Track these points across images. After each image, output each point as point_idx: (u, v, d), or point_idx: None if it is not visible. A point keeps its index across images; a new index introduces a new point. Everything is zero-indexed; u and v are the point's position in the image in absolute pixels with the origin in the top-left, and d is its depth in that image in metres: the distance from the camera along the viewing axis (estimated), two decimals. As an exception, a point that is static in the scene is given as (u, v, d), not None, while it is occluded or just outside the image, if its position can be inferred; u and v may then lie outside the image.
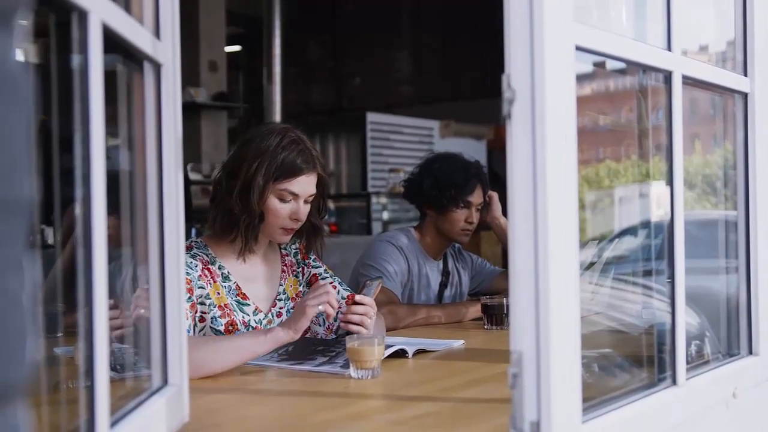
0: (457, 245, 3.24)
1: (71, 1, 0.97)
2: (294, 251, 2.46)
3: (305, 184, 2.23)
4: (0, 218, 0.58)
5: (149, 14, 1.36)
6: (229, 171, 2.23)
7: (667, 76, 1.54)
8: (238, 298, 2.25)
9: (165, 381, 1.39)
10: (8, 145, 0.58)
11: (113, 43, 1.13)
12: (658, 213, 1.94)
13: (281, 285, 2.37)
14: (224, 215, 2.23)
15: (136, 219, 1.40)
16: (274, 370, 2.03)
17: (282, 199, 2.21)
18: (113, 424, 1.11)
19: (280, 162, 2.18)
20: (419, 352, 2.21)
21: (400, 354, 2.14)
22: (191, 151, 7.24)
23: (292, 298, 2.38)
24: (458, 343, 2.38)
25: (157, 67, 1.37)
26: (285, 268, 2.41)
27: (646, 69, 1.59)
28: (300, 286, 2.42)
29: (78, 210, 1.05)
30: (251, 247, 2.27)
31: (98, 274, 1.03)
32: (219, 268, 2.25)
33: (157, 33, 1.37)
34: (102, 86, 1.05)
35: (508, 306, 2.69)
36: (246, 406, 1.73)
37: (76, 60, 1.03)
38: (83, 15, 1.01)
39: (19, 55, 0.61)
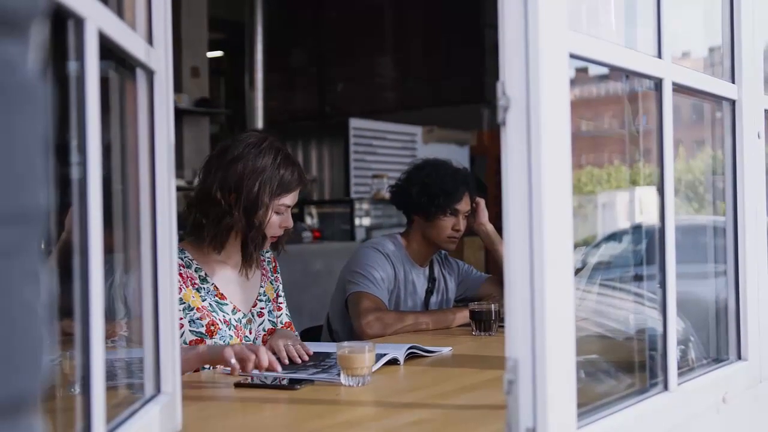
0: (443, 251, 3.24)
1: (68, 7, 0.96)
2: (267, 260, 2.54)
3: (296, 196, 2.38)
4: (16, 228, 0.57)
5: (141, 21, 1.36)
6: (224, 188, 2.26)
7: (658, 83, 1.55)
8: (216, 298, 2.31)
9: (158, 389, 1.39)
10: (24, 154, 0.57)
11: (106, 49, 1.13)
12: (642, 218, 1.95)
13: (262, 287, 2.46)
14: (225, 231, 2.29)
15: (128, 227, 1.39)
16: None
17: (277, 213, 2.33)
18: (108, 433, 1.11)
19: (280, 179, 2.30)
20: (411, 357, 2.21)
21: (392, 361, 2.14)
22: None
23: (272, 300, 2.49)
24: (447, 350, 2.38)
25: (150, 74, 1.36)
26: (264, 271, 2.50)
27: (637, 76, 1.60)
28: (274, 292, 2.52)
29: (65, 216, 1.04)
30: (256, 260, 2.39)
31: (94, 282, 1.02)
32: (196, 271, 2.31)
33: (150, 40, 1.36)
34: (98, 93, 1.04)
35: (496, 312, 2.70)
36: (238, 414, 1.72)
37: (71, 66, 1.03)
38: (80, 22, 1.00)
39: (35, 65, 0.60)
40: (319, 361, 2.16)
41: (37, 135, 0.59)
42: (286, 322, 2.50)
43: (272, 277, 2.53)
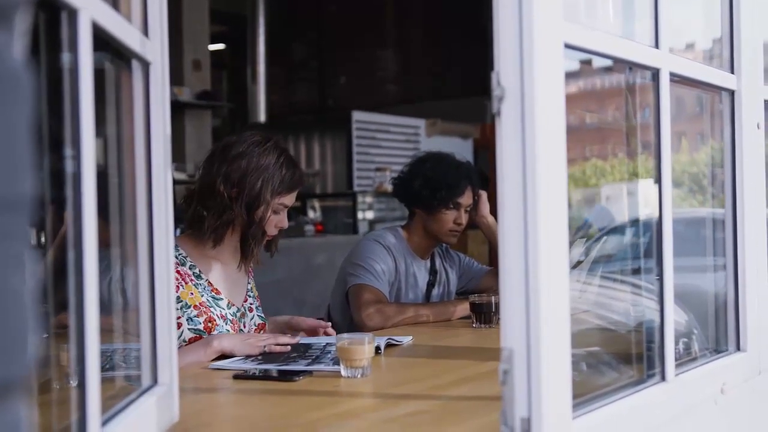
0: (444, 244, 3.24)
1: (61, -2, 0.96)
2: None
3: (294, 197, 2.42)
4: (3, 215, 0.58)
5: (137, 12, 1.36)
6: (227, 182, 2.29)
7: (655, 74, 1.55)
8: (212, 293, 2.34)
9: (155, 380, 1.39)
10: (10, 142, 0.58)
11: (101, 41, 1.13)
12: (645, 211, 1.95)
13: (249, 283, 2.51)
14: (224, 225, 2.31)
15: (124, 219, 1.39)
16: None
17: (275, 212, 2.36)
18: (104, 423, 1.11)
19: (282, 179, 2.33)
20: (389, 346, 2.26)
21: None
22: (175, 151, 7.16)
23: (257, 297, 2.53)
24: (408, 339, 2.42)
25: (145, 65, 1.36)
26: (250, 270, 2.53)
27: (634, 66, 1.59)
28: (256, 290, 2.57)
29: (63, 210, 1.04)
30: (256, 255, 2.41)
31: (89, 274, 1.02)
32: (190, 268, 2.33)
33: (145, 31, 1.36)
34: (92, 85, 1.04)
35: (496, 304, 2.70)
36: (235, 406, 1.73)
37: (65, 58, 1.03)
38: (73, 13, 1.00)
39: (19, 54, 0.61)
40: (303, 352, 2.17)
41: (22, 124, 0.60)
42: (259, 324, 2.51)
43: (253, 276, 2.58)
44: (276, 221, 2.37)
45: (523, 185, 1.18)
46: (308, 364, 2.00)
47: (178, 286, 2.24)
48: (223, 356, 2.13)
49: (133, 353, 1.45)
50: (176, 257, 2.30)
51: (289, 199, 2.38)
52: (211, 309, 2.30)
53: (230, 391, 1.83)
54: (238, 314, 2.40)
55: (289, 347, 2.18)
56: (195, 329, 2.25)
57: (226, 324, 2.32)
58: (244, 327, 2.40)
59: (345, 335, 1.98)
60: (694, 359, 1.77)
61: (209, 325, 2.27)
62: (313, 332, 2.46)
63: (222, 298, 2.36)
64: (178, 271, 2.27)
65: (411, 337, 2.44)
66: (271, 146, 2.35)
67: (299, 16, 10.37)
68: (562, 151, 1.23)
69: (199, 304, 2.28)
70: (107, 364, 1.40)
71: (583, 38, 1.33)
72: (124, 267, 1.45)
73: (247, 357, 2.12)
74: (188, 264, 2.33)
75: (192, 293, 2.29)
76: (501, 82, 1.19)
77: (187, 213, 2.35)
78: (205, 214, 2.30)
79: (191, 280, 2.30)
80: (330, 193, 8.34)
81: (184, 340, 2.23)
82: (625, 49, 1.49)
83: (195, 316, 2.26)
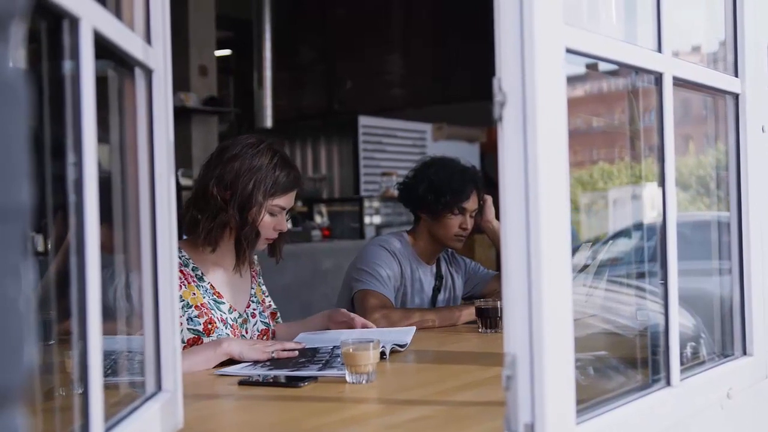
0: (450, 249, 3.24)
1: (63, 7, 0.97)
2: (256, 262, 2.61)
3: (292, 199, 2.41)
4: (0, 224, 0.58)
5: (140, 20, 1.36)
6: (220, 184, 2.31)
7: (658, 78, 1.54)
8: (215, 296, 2.35)
9: (159, 387, 1.39)
10: (6, 151, 0.58)
11: (104, 48, 1.13)
12: (651, 215, 1.95)
13: (252, 288, 2.51)
14: (219, 227, 2.32)
15: (128, 226, 1.39)
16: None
17: (271, 214, 2.36)
18: (107, 430, 1.11)
19: (275, 180, 2.33)
20: (394, 352, 2.25)
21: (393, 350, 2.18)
22: (182, 157, 7.21)
23: (261, 302, 2.53)
24: (411, 330, 2.46)
25: (148, 73, 1.36)
26: (254, 274, 2.54)
27: (636, 71, 1.59)
28: (263, 294, 2.57)
29: (69, 217, 1.05)
30: (249, 257, 2.41)
31: (91, 281, 1.02)
32: (193, 270, 2.34)
33: (148, 39, 1.37)
34: (94, 92, 1.04)
35: (502, 309, 2.69)
36: (240, 412, 1.73)
37: (67, 66, 1.03)
38: (75, 21, 1.01)
39: (16, 62, 0.61)
40: (311, 357, 2.16)
41: (18, 133, 0.60)
42: (262, 330, 2.51)
43: (259, 280, 2.58)
44: (274, 224, 2.36)
45: (525, 190, 1.18)
46: (319, 369, 2.00)
47: (180, 285, 2.25)
48: (230, 360, 2.13)
49: (137, 357, 1.45)
50: (180, 258, 2.31)
51: (285, 201, 2.37)
52: (212, 311, 2.31)
53: (235, 398, 1.83)
54: (240, 320, 2.40)
55: (296, 353, 2.18)
56: (194, 330, 2.26)
57: (226, 328, 2.32)
58: (246, 333, 2.40)
59: (350, 340, 1.97)
60: (700, 364, 1.77)
61: (209, 326, 2.28)
62: (348, 325, 2.50)
63: (224, 302, 2.36)
64: (181, 271, 2.29)
65: (414, 328, 2.47)
66: (264, 148, 2.35)
67: (305, 21, 10.37)
68: (564, 155, 1.23)
69: (201, 305, 2.29)
70: (110, 369, 1.40)
71: (585, 43, 1.33)
72: (128, 274, 1.46)
73: (256, 363, 2.11)
74: (191, 266, 2.34)
75: (194, 293, 2.30)
76: (503, 88, 1.19)
77: (185, 218, 2.35)
78: (199, 218, 2.31)
79: (193, 281, 2.31)
80: (337, 198, 8.34)
81: (183, 340, 2.24)
82: (628, 54, 1.48)
83: (195, 317, 2.27)
